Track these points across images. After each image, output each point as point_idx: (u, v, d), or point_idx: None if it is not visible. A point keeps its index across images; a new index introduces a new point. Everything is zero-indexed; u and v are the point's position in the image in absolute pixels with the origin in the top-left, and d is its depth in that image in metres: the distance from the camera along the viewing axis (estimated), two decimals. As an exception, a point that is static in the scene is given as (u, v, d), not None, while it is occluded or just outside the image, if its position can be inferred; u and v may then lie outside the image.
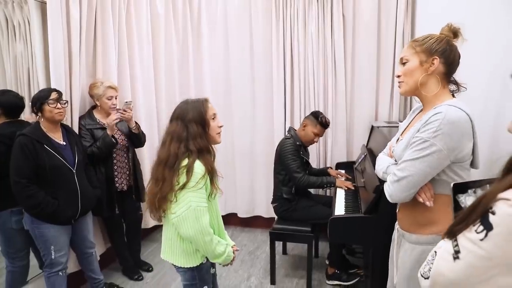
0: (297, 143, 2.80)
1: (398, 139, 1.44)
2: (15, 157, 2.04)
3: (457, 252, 0.73)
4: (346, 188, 2.68)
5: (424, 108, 1.37)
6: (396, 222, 1.48)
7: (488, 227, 0.69)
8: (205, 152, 1.53)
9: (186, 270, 1.62)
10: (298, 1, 3.30)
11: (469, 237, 0.72)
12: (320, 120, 2.82)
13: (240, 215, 3.82)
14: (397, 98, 3.24)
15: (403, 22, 3.11)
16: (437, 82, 1.29)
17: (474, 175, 1.26)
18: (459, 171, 1.24)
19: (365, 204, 2.16)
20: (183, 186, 1.47)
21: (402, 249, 1.39)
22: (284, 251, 3.34)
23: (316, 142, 2.94)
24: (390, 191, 1.30)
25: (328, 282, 2.78)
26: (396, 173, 1.28)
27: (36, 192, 2.06)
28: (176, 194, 1.49)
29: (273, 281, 2.80)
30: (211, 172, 1.53)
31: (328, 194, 3.40)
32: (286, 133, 2.93)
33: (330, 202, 2.79)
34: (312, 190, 3.22)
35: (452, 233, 0.75)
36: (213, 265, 1.75)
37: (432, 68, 1.28)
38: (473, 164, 1.28)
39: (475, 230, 0.71)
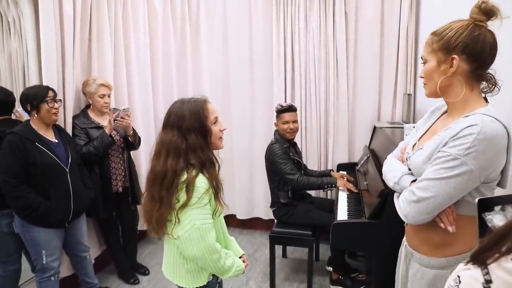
0: (284, 145, 2.70)
1: (415, 144, 1.25)
2: (4, 156, 1.97)
3: (488, 281, 0.63)
4: (348, 192, 2.58)
5: (450, 113, 1.16)
6: (404, 238, 1.33)
7: None
8: (208, 164, 1.35)
9: None
10: (299, -2, 3.23)
11: (506, 267, 0.62)
12: (276, 110, 2.76)
13: (239, 216, 3.74)
14: (400, 98, 3.16)
15: (407, 20, 3.03)
16: (461, 84, 1.08)
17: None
18: (485, 191, 1.08)
19: (368, 209, 2.08)
20: (185, 204, 1.30)
21: (411, 270, 1.24)
22: (284, 254, 3.27)
23: (293, 129, 2.69)
24: (406, 212, 1.12)
25: (332, 287, 2.71)
26: (416, 192, 1.09)
27: (27, 192, 1.99)
28: (177, 214, 1.31)
29: (272, 285, 2.71)
30: (215, 187, 1.36)
31: (329, 197, 3.32)
32: (272, 137, 2.81)
33: (330, 206, 2.71)
34: (312, 193, 3.14)
35: (480, 260, 0.66)
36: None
37: (452, 70, 1.07)
38: (500, 183, 1.10)
39: None
